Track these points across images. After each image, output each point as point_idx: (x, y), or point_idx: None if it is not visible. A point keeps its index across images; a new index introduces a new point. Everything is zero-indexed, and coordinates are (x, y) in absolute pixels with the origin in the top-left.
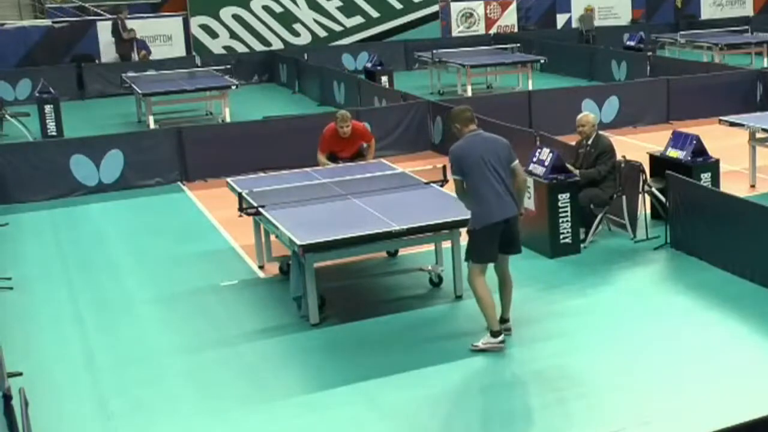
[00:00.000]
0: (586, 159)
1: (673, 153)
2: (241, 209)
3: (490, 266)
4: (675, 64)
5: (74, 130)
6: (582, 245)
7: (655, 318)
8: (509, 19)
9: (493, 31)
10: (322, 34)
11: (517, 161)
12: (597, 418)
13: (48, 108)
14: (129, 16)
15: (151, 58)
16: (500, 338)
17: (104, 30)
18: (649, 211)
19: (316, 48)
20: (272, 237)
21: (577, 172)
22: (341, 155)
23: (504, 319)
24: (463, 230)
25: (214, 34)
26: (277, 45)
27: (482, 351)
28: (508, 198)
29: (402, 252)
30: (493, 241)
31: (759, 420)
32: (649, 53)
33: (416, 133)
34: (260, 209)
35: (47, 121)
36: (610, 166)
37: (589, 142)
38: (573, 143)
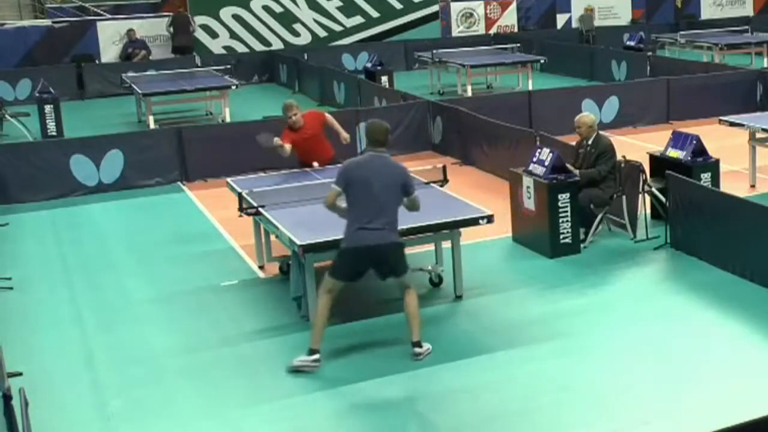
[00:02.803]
0: (586, 159)
1: (673, 153)
2: (241, 209)
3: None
4: (675, 64)
5: (74, 130)
6: (582, 245)
7: (655, 318)
8: (509, 19)
9: (493, 31)
10: (322, 34)
11: (414, 195)
12: (597, 418)
13: (48, 108)
14: (129, 16)
15: (151, 58)
16: (314, 357)
17: (104, 30)
18: (649, 211)
19: (316, 48)
20: (272, 237)
21: (577, 172)
22: (305, 156)
23: (413, 343)
24: (463, 230)
25: (214, 34)
26: (277, 45)
27: (298, 370)
28: (382, 228)
29: None
30: (353, 265)
31: (759, 420)
32: (649, 53)
33: (416, 133)
34: (260, 209)
35: (47, 121)
36: (610, 166)
37: (589, 142)
38: (573, 143)
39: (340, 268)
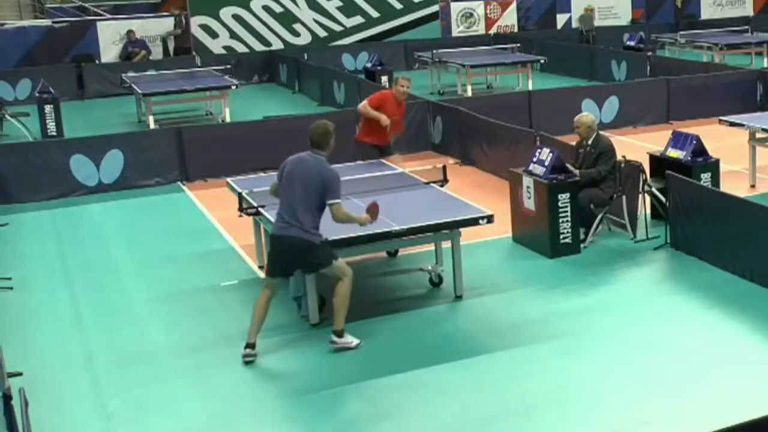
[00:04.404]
0: (587, 159)
1: (673, 153)
2: (241, 209)
3: None
4: (675, 64)
5: (74, 130)
6: (582, 245)
7: (655, 318)
8: (509, 19)
9: (493, 31)
10: (322, 34)
11: (333, 202)
12: (597, 418)
13: (48, 108)
14: (129, 17)
15: (151, 58)
16: (247, 351)
17: (104, 30)
18: (649, 211)
19: (316, 48)
20: None
21: (577, 172)
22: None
23: (333, 331)
24: (463, 230)
25: (214, 34)
26: (277, 45)
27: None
28: (294, 225)
29: (402, 252)
30: (274, 255)
31: (759, 420)
32: (649, 53)
33: (416, 133)
34: (260, 209)
35: (47, 121)
36: (610, 166)
37: (589, 143)
38: (573, 143)
39: (268, 263)
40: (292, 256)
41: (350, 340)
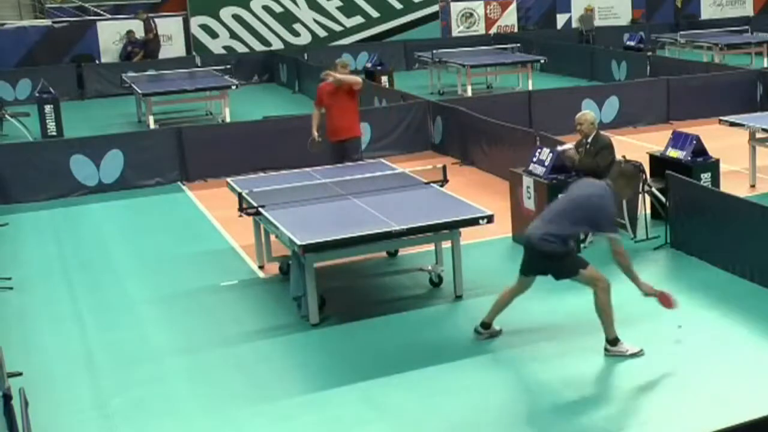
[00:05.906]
0: (587, 156)
1: (673, 153)
2: (241, 209)
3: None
4: (675, 64)
5: (74, 130)
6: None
7: (655, 318)
8: (509, 19)
9: (493, 31)
10: (322, 34)
11: (612, 235)
12: (597, 418)
13: (48, 108)
14: (129, 17)
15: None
16: (484, 330)
17: (104, 30)
18: (649, 211)
19: (316, 48)
20: (272, 237)
21: (576, 157)
22: (331, 122)
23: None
24: (463, 230)
25: (214, 34)
26: (277, 45)
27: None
28: (541, 231)
29: (402, 252)
30: (524, 255)
31: (759, 420)
32: (649, 53)
33: (416, 133)
34: (260, 209)
35: (47, 121)
36: (609, 162)
37: (589, 140)
38: (573, 143)
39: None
40: (536, 261)
41: (625, 348)
